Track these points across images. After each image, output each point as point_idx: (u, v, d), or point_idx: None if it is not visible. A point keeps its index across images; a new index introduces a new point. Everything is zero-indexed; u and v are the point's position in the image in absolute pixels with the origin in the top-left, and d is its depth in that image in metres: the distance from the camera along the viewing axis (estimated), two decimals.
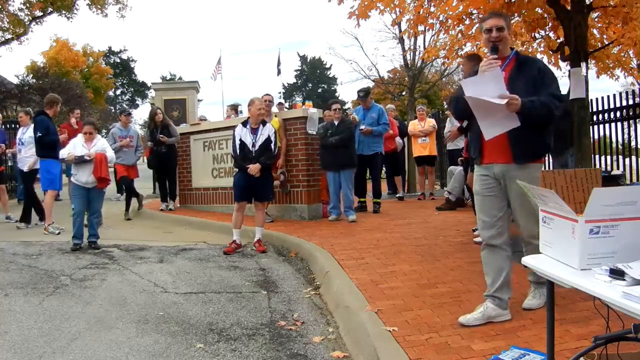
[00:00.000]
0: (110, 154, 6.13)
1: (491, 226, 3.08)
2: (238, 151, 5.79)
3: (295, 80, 52.69)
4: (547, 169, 7.75)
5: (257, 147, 5.72)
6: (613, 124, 6.95)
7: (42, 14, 19.37)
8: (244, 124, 5.89)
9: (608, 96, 7.00)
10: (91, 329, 3.38)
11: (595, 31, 6.47)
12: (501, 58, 3.00)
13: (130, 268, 5.00)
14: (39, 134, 7.11)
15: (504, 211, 3.08)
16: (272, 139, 5.82)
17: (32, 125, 7.55)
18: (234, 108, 10.26)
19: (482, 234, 3.16)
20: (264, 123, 5.88)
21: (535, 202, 2.83)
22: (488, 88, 2.78)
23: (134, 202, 8.82)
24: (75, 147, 5.96)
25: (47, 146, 7.11)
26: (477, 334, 2.86)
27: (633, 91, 7.02)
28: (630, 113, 6.68)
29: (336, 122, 7.09)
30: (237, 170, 5.96)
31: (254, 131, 5.79)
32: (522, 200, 2.92)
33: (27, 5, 18.45)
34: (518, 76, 2.98)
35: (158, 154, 8.66)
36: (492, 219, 3.07)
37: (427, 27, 6.51)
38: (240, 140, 5.79)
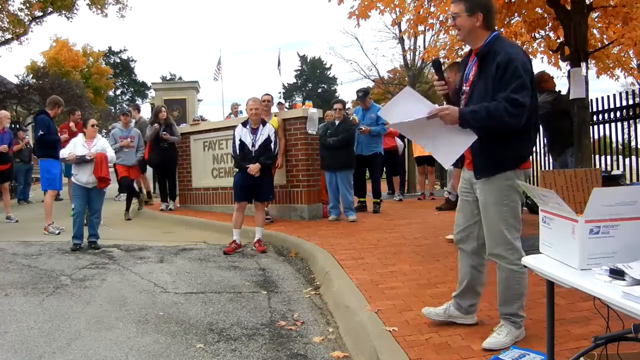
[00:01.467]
0: (110, 153, 6.13)
1: (461, 230, 2.92)
2: (238, 151, 5.80)
3: (295, 80, 52.64)
4: (547, 169, 7.76)
5: (257, 147, 5.73)
6: (613, 124, 6.95)
7: (42, 14, 19.37)
8: (244, 124, 5.90)
9: (608, 96, 7.00)
10: (91, 329, 3.38)
11: (595, 31, 6.48)
12: (475, 50, 2.69)
13: (130, 268, 5.00)
14: (40, 133, 7.11)
15: (478, 219, 2.81)
16: (272, 138, 5.82)
17: None
18: (235, 107, 10.34)
19: (454, 235, 3.01)
20: (263, 123, 5.89)
21: (497, 221, 2.65)
22: (411, 108, 2.50)
23: (134, 202, 8.83)
24: (75, 146, 5.97)
25: (48, 146, 7.12)
26: (477, 334, 2.85)
27: (633, 91, 7.01)
28: (630, 113, 6.67)
29: (337, 122, 7.10)
30: (237, 170, 5.96)
31: (254, 131, 5.80)
32: (484, 213, 2.72)
33: (27, 5, 18.45)
34: (479, 76, 2.61)
35: (160, 150, 8.66)
36: (463, 223, 2.91)
37: (427, 27, 6.53)
38: (240, 140, 5.79)
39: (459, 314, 2.94)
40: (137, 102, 50.36)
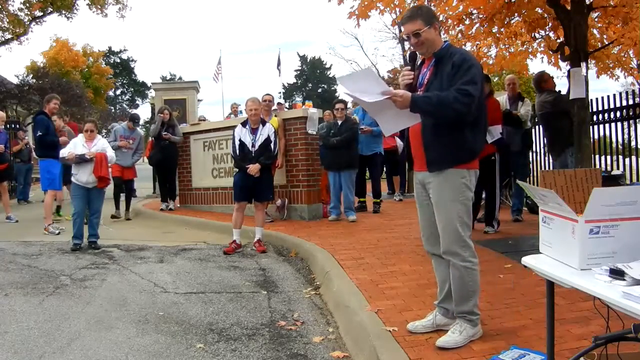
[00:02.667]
0: (110, 153, 6.13)
1: (428, 236, 2.95)
2: (237, 151, 5.80)
3: (295, 80, 52.69)
4: (547, 169, 7.76)
5: (256, 147, 5.72)
6: (613, 124, 6.94)
7: (42, 14, 19.38)
8: (244, 124, 5.89)
9: (608, 96, 6.99)
10: (91, 329, 3.38)
11: (595, 31, 6.48)
12: (429, 58, 2.83)
13: (130, 268, 5.00)
14: (39, 134, 7.12)
15: None
16: (272, 138, 5.81)
17: None
18: (235, 107, 10.36)
19: (423, 243, 3.05)
20: (263, 123, 5.88)
21: (452, 218, 2.70)
22: (369, 86, 2.60)
23: (134, 201, 8.82)
24: (75, 146, 5.97)
25: (47, 146, 7.11)
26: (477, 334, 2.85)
27: (633, 91, 7.01)
28: (630, 113, 6.67)
29: (339, 122, 7.10)
30: (237, 170, 5.96)
31: (254, 131, 5.79)
32: (438, 211, 2.77)
33: (27, 5, 18.46)
34: (435, 76, 2.76)
35: (160, 149, 8.67)
36: (428, 229, 2.94)
37: None
38: (240, 140, 5.79)
39: (447, 320, 2.92)
40: (137, 102, 50.59)
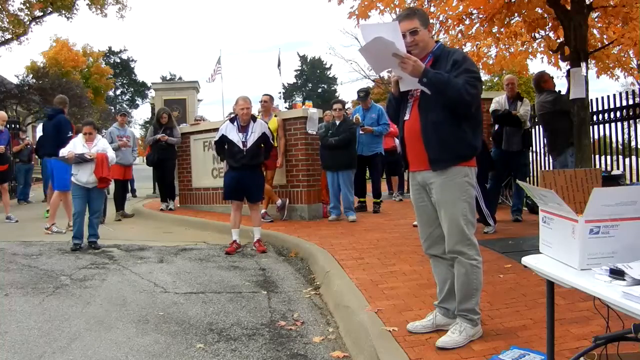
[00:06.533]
0: (111, 154, 6.13)
1: (427, 237, 2.94)
2: (219, 148, 5.76)
3: (295, 80, 52.71)
4: (547, 169, 7.76)
5: (248, 146, 5.59)
6: (613, 124, 6.94)
7: (42, 14, 19.41)
8: (232, 120, 5.76)
9: (608, 96, 6.99)
10: (91, 329, 3.38)
11: (595, 31, 6.48)
12: (421, 59, 2.73)
13: (130, 268, 5.00)
14: (70, 134, 7.06)
15: (439, 221, 2.84)
16: (269, 133, 5.80)
17: None
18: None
19: (422, 244, 3.04)
20: (254, 119, 5.78)
21: (457, 218, 2.69)
22: (387, 37, 2.51)
23: (135, 201, 8.82)
24: (75, 146, 5.96)
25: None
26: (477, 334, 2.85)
27: (633, 91, 7.00)
28: (630, 113, 6.67)
29: (337, 122, 7.09)
30: (228, 168, 5.81)
31: (244, 129, 5.65)
32: (442, 211, 2.76)
33: (27, 5, 18.47)
34: None
35: (157, 149, 8.68)
36: (427, 230, 2.93)
37: None
38: (224, 136, 5.65)
39: (447, 320, 2.91)
40: (137, 102, 50.63)
